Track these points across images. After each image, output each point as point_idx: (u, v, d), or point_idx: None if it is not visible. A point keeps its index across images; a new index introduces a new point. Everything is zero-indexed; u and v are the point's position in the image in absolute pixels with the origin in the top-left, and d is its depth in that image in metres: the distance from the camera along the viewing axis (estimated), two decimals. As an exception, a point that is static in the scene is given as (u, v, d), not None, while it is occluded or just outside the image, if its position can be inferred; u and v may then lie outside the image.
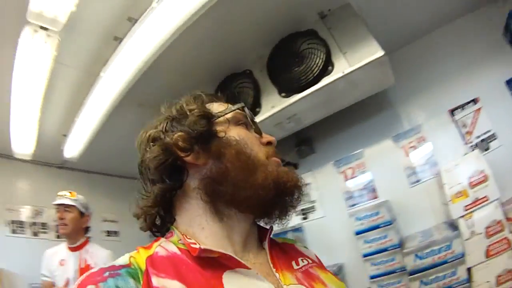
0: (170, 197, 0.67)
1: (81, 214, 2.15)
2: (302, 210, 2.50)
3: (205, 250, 0.57)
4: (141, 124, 0.73)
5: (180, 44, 1.67)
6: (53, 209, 2.23)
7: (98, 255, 2.12)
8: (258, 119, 1.81)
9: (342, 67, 1.81)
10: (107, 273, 0.51)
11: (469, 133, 2.24)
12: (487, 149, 2.15)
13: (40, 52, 1.70)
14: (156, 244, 0.61)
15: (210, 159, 0.65)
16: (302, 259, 0.73)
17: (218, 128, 0.67)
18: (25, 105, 2.07)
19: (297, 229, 2.44)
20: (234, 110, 0.72)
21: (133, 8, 1.72)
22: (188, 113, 0.68)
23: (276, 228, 0.73)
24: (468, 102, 2.24)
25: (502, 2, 2.11)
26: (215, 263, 0.58)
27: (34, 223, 2.76)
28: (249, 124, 0.74)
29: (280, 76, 1.96)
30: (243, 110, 0.74)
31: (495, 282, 1.71)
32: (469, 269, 1.77)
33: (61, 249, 2.12)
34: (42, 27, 1.58)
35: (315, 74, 1.85)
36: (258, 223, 0.73)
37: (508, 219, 1.76)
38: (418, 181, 2.33)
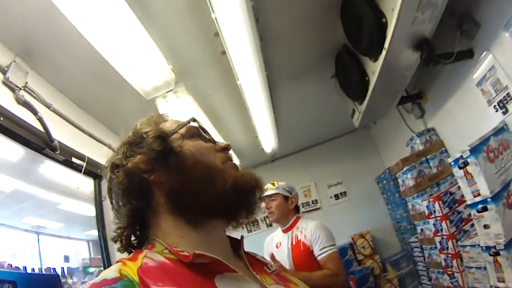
0: (142, 216, 0.71)
1: (286, 198, 2.36)
2: (499, 103, 1.85)
3: (198, 255, 0.59)
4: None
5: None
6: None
7: (306, 228, 2.25)
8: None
9: None
10: None
11: None
12: None
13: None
14: (141, 255, 0.61)
15: (170, 174, 0.68)
16: (270, 265, 0.80)
17: (174, 144, 0.71)
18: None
19: (500, 130, 1.82)
20: (186, 124, 0.76)
21: None
22: (144, 135, 0.72)
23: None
24: None
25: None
26: (204, 269, 0.60)
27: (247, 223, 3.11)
28: (203, 135, 0.79)
29: None
30: (195, 123, 0.78)
31: None
32: None
33: (277, 233, 2.42)
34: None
35: None
36: (227, 229, 0.76)
37: None
38: None
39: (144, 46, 1.76)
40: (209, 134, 0.81)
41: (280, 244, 2.32)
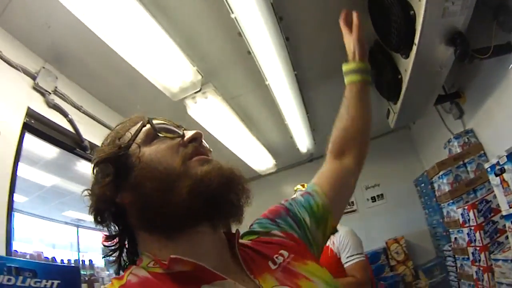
0: (128, 236, 0.69)
1: None
2: None
3: (175, 259, 0.56)
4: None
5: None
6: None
7: (336, 234, 2.20)
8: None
9: None
10: None
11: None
12: None
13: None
14: (127, 272, 0.60)
15: (132, 192, 0.63)
16: (276, 256, 0.70)
17: (132, 157, 0.65)
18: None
19: None
20: (139, 131, 0.69)
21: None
22: (104, 157, 0.67)
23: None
24: None
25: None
26: (189, 280, 0.56)
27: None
28: (168, 134, 0.69)
29: None
30: (151, 124, 0.69)
31: None
32: None
33: None
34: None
35: None
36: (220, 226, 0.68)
37: None
38: None
39: (168, 50, 1.83)
40: (174, 128, 0.72)
41: None
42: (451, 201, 2.36)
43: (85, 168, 2.34)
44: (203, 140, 0.70)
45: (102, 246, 0.71)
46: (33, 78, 1.70)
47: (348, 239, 2.15)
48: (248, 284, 0.61)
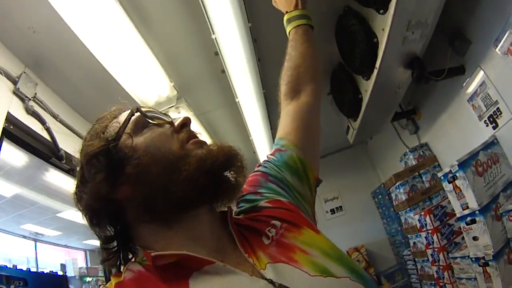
0: (125, 235, 0.67)
1: None
2: (489, 118, 1.93)
3: (156, 257, 0.55)
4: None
5: None
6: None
7: None
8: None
9: None
10: None
11: None
12: None
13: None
14: (124, 268, 0.61)
15: (134, 183, 0.61)
16: (269, 229, 0.67)
17: (125, 148, 0.63)
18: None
19: (490, 144, 1.90)
20: (128, 120, 0.66)
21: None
22: (90, 154, 0.64)
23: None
24: None
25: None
26: (180, 270, 0.56)
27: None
28: (156, 120, 0.69)
29: None
30: (140, 112, 0.68)
31: None
32: None
33: None
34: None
35: None
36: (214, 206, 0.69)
37: None
38: None
39: (148, 64, 1.86)
40: (163, 116, 0.72)
41: None
42: (408, 208, 2.55)
43: (53, 178, 2.29)
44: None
45: (101, 249, 0.68)
46: (14, 82, 1.65)
47: None
48: (242, 264, 0.59)
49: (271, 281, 0.54)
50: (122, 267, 0.65)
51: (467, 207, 1.73)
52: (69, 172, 1.97)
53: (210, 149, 0.64)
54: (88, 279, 2.79)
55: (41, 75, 1.88)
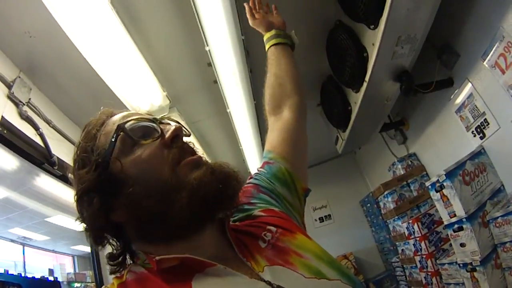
0: (127, 250, 0.67)
1: None
2: (476, 128, 1.98)
3: (161, 261, 0.56)
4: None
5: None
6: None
7: None
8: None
9: None
10: None
11: None
12: None
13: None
14: (126, 270, 0.62)
15: (126, 210, 0.60)
16: (265, 234, 0.68)
17: (115, 174, 0.60)
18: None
19: (477, 154, 1.95)
20: (115, 141, 0.63)
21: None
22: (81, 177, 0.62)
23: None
24: None
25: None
26: (183, 272, 0.57)
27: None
28: (145, 136, 0.64)
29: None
30: (125, 132, 0.63)
31: None
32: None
33: None
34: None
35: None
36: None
37: None
38: None
39: (141, 73, 1.88)
40: (151, 124, 0.67)
41: None
42: (396, 217, 2.60)
43: (43, 183, 2.24)
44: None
45: (108, 265, 0.67)
46: (9, 87, 1.64)
47: None
48: (242, 267, 0.60)
49: (269, 283, 0.56)
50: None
51: (455, 215, 1.78)
52: (61, 178, 1.96)
53: (202, 176, 0.60)
54: (76, 285, 2.76)
55: (35, 80, 1.88)
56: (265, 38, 1.25)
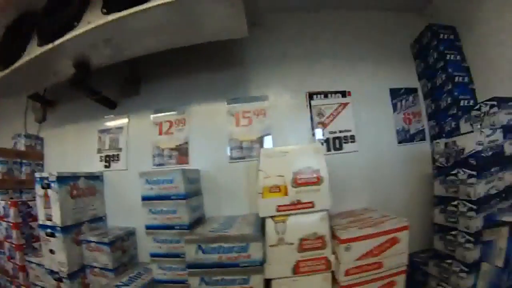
0: None
1: None
2: (106, 157, 2.25)
3: None
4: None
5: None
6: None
7: None
8: (71, 34, 1.66)
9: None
10: None
11: (324, 124, 2.02)
12: (339, 148, 1.99)
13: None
14: None
15: None
16: None
17: None
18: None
19: (96, 177, 2.19)
20: None
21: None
22: None
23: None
24: (336, 92, 2.04)
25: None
26: None
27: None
28: None
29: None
30: None
31: (300, 304, 1.47)
32: (268, 281, 1.53)
33: None
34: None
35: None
36: None
37: (334, 236, 1.52)
38: (241, 158, 2.08)
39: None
40: None
41: None
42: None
43: None
44: None
45: None
46: None
47: None
48: None
49: None
50: None
51: (51, 220, 1.84)
52: None
53: None
54: None
55: None
56: None
